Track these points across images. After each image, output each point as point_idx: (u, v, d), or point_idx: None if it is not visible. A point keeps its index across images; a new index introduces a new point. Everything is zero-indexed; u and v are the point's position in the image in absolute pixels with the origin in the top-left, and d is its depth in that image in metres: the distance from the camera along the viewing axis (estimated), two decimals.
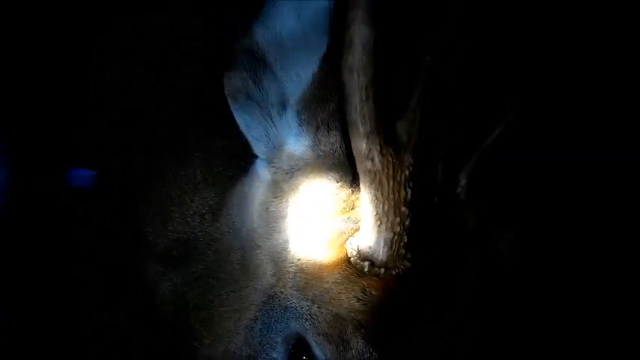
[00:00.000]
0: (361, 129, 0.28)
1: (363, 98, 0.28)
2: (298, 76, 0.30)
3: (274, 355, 0.28)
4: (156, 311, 0.41)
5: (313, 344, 0.27)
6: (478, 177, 0.55)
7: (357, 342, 0.26)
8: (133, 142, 0.43)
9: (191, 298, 0.35)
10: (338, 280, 0.28)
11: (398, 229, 0.30)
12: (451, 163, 0.46)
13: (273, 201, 0.31)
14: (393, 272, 0.29)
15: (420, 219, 0.32)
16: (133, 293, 0.46)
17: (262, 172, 0.32)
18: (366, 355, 0.26)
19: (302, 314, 0.27)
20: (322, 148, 0.30)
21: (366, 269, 0.28)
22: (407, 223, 0.30)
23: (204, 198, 0.36)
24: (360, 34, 0.27)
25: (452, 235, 0.45)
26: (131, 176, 0.41)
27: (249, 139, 0.32)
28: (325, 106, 0.28)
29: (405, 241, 0.31)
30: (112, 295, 0.52)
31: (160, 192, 0.37)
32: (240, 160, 0.35)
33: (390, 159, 0.30)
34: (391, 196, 0.30)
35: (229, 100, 0.31)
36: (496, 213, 0.53)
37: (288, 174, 0.31)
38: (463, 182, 0.52)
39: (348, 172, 0.29)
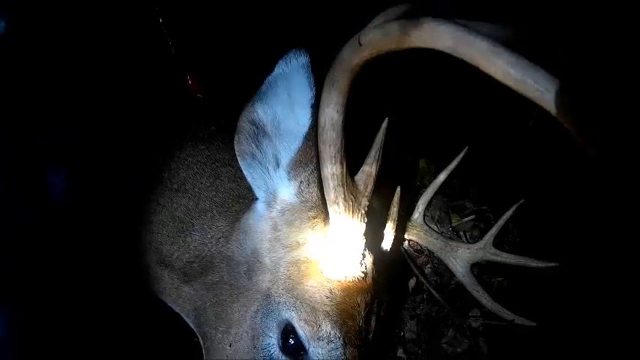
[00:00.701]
0: (331, 183, 0.44)
1: (333, 162, 0.44)
2: (288, 146, 0.45)
3: (271, 334, 0.43)
4: (177, 308, 0.56)
5: (297, 327, 0.42)
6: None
7: (326, 325, 0.42)
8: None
9: (209, 298, 0.50)
10: (314, 285, 0.44)
11: (359, 248, 0.46)
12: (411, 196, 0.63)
13: (270, 231, 0.47)
14: (351, 279, 0.45)
15: (373, 243, 0.48)
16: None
17: (262, 210, 0.48)
18: (332, 333, 0.41)
19: (289, 307, 0.43)
20: (305, 196, 0.46)
21: (332, 277, 0.44)
22: (363, 245, 0.47)
23: (219, 227, 0.52)
24: (330, 117, 0.43)
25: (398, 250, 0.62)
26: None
27: (252, 186, 0.47)
28: (307, 168, 0.44)
29: (362, 257, 0.47)
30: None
31: (184, 222, 0.52)
32: (245, 199, 0.51)
33: (351, 203, 0.47)
34: (353, 228, 0.47)
35: (238, 158, 0.46)
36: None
37: (281, 212, 0.47)
38: (421, 209, 0.71)
39: (322, 211, 0.45)
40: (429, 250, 0.74)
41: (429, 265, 0.74)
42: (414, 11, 0.48)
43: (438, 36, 0.32)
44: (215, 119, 0.59)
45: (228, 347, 0.47)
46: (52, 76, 0.63)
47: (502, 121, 0.90)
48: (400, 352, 0.66)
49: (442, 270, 0.73)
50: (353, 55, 0.39)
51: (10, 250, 0.61)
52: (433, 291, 0.70)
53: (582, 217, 0.81)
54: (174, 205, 0.53)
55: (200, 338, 0.53)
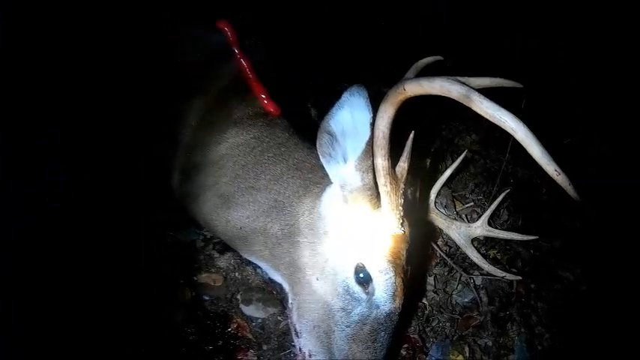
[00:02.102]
0: (381, 172, 0.72)
1: (383, 159, 0.72)
2: (352, 148, 0.72)
3: (347, 271, 0.69)
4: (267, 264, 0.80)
5: (365, 265, 0.68)
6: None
7: (383, 262, 0.68)
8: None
9: (297, 253, 0.75)
10: (374, 238, 0.71)
11: (400, 214, 0.73)
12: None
13: (343, 204, 0.74)
14: (396, 233, 0.72)
15: (407, 213, 0.76)
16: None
17: (336, 190, 0.75)
18: (387, 268, 0.68)
19: (359, 252, 0.70)
20: (365, 181, 0.72)
21: (385, 232, 0.71)
22: (402, 212, 0.74)
23: (305, 203, 0.78)
24: (382, 131, 0.71)
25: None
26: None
27: (329, 174, 0.74)
28: (366, 163, 0.71)
29: (402, 220, 0.74)
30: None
31: (281, 203, 0.78)
32: (319, 185, 0.78)
33: (394, 185, 0.74)
34: (394, 202, 0.74)
35: (320, 156, 0.73)
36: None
37: (349, 191, 0.73)
38: (432, 197, 0.99)
39: (376, 191, 0.72)
40: (439, 228, 1.01)
41: (440, 239, 1.01)
42: (435, 64, 0.80)
43: (449, 90, 0.61)
44: (294, 131, 0.87)
45: (316, 281, 0.73)
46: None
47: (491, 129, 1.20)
48: (423, 300, 0.91)
49: (451, 243, 0.99)
50: (398, 95, 0.68)
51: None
52: (445, 256, 0.97)
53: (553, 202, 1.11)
54: (275, 192, 0.79)
55: (287, 284, 0.78)
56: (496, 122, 0.61)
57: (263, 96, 0.87)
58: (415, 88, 0.67)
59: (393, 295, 0.72)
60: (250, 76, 0.87)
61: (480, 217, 1.02)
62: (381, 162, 0.73)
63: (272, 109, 0.87)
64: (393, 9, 1.54)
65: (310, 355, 0.73)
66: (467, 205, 1.06)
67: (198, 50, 0.90)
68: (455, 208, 1.06)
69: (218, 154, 0.84)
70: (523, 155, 0.60)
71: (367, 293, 0.71)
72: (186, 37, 0.91)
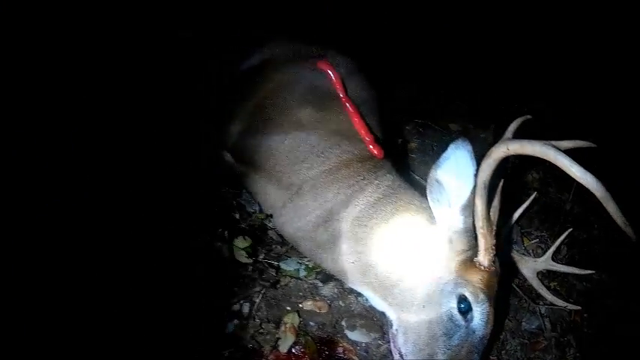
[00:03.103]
0: (479, 216, 1.01)
1: (482, 205, 1.01)
2: (457, 195, 1.01)
3: (451, 301, 0.99)
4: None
5: (467, 296, 0.97)
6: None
7: (481, 294, 0.98)
8: None
9: (407, 284, 1.06)
10: (473, 272, 1.00)
11: (493, 252, 1.02)
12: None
13: (447, 242, 1.04)
14: (490, 269, 1.01)
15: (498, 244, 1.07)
16: None
17: (442, 231, 1.05)
18: (484, 299, 0.98)
19: (462, 285, 0.99)
20: (466, 223, 1.03)
21: (482, 267, 1.01)
22: (494, 250, 1.03)
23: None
24: (483, 181, 1.00)
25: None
26: None
27: (436, 216, 1.03)
28: (468, 208, 1.00)
29: (495, 258, 1.04)
30: None
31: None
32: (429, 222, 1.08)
33: (489, 228, 1.04)
34: (489, 242, 1.03)
35: (429, 201, 1.02)
36: None
37: (453, 232, 1.04)
38: (505, 233, 1.30)
39: (474, 232, 1.01)
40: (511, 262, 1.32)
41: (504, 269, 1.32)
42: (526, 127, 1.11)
43: (547, 154, 0.91)
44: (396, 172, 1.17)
45: (422, 309, 1.01)
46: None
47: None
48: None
49: (520, 275, 1.30)
50: (500, 153, 0.98)
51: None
52: (516, 287, 1.28)
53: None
54: (386, 231, 1.08)
55: (393, 312, 1.06)
56: (582, 182, 0.92)
57: (368, 139, 1.15)
58: (517, 148, 0.98)
59: (487, 322, 1.02)
60: (356, 120, 1.14)
61: (544, 252, 1.35)
62: (480, 208, 1.03)
63: (377, 153, 1.17)
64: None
65: None
66: (533, 241, 1.39)
67: (307, 90, 1.18)
68: (523, 244, 1.39)
69: (331, 193, 1.12)
70: (580, 196, 0.89)
71: (466, 320, 1.01)
72: (296, 75, 1.18)
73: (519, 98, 1.69)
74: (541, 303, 1.30)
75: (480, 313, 1.01)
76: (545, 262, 1.35)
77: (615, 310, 1.38)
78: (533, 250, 1.40)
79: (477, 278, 1.03)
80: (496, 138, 1.70)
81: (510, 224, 1.35)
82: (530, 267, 1.35)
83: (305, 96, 1.22)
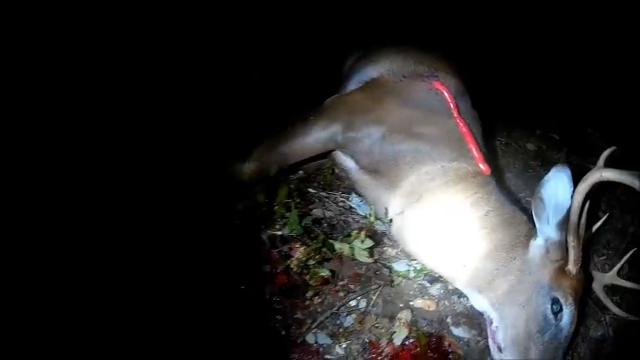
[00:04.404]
0: (572, 231, 1.51)
1: (576, 221, 1.50)
2: (555, 212, 1.49)
3: (546, 303, 1.50)
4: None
5: (560, 298, 1.48)
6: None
7: (570, 297, 1.50)
8: None
9: (510, 288, 1.54)
10: (563, 279, 1.51)
11: (581, 262, 1.51)
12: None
13: (544, 253, 1.54)
14: (577, 276, 1.51)
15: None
16: None
17: (540, 243, 1.58)
18: (572, 301, 1.49)
19: (555, 289, 1.51)
20: (561, 236, 1.55)
21: (572, 275, 1.51)
22: (581, 261, 1.53)
23: (518, 255, 1.59)
24: (577, 201, 1.49)
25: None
26: None
27: (538, 229, 1.55)
28: (564, 225, 1.49)
29: (580, 267, 1.53)
30: None
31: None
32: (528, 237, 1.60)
33: (578, 242, 1.54)
34: (578, 254, 1.53)
35: (534, 215, 1.52)
36: None
37: (551, 244, 1.56)
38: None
39: (566, 245, 1.51)
40: None
41: None
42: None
43: (632, 182, 1.42)
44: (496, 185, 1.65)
45: (522, 308, 1.49)
46: None
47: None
48: None
49: (589, 287, 1.82)
50: (594, 179, 1.50)
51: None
52: (587, 298, 1.80)
53: None
54: (492, 240, 1.60)
55: (494, 310, 1.55)
56: None
57: (478, 156, 1.61)
58: (609, 175, 1.48)
59: (572, 322, 1.52)
60: (469, 138, 1.61)
61: (611, 268, 1.87)
62: (574, 225, 1.53)
63: (485, 170, 1.65)
64: None
65: None
66: (601, 258, 1.91)
67: (428, 108, 1.66)
68: (593, 260, 1.90)
69: (449, 204, 1.61)
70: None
71: (557, 320, 1.50)
72: (417, 93, 1.64)
73: (591, 121, 2.24)
74: (606, 313, 1.83)
75: (568, 314, 1.53)
76: (611, 277, 1.89)
77: None
78: (601, 266, 1.93)
79: (567, 284, 1.55)
80: (569, 159, 2.23)
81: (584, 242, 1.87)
82: (598, 280, 1.88)
83: (426, 113, 1.71)
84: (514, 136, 2.35)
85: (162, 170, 1.66)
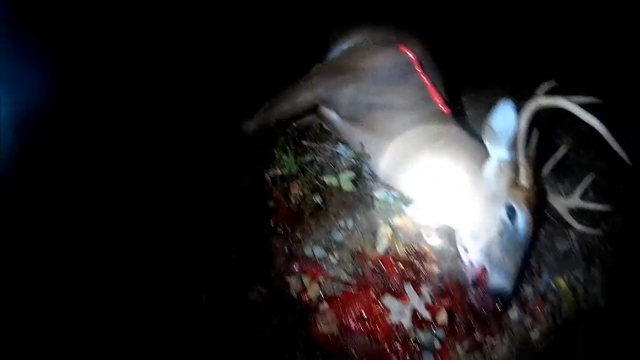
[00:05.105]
0: (520, 150, 1.90)
1: (522, 142, 1.90)
2: (504, 136, 1.90)
3: (502, 209, 1.90)
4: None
5: (513, 205, 1.86)
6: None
7: (524, 207, 1.87)
8: None
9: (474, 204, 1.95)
10: (516, 190, 1.90)
11: (532, 176, 1.91)
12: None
13: (498, 170, 1.96)
14: (530, 188, 1.91)
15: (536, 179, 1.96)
16: None
17: (494, 163, 1.99)
18: (525, 208, 1.86)
19: (508, 197, 1.91)
20: (512, 156, 1.95)
21: (524, 187, 1.91)
22: (531, 175, 1.92)
23: (473, 170, 1.98)
24: (523, 126, 1.89)
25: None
26: None
27: (490, 151, 1.95)
28: (514, 146, 1.89)
29: (534, 180, 1.92)
30: None
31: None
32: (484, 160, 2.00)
33: (527, 159, 1.93)
34: (527, 169, 1.92)
35: (485, 141, 1.93)
36: None
37: (503, 163, 1.97)
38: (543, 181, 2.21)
39: (516, 163, 1.91)
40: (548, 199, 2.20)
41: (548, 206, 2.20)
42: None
43: (566, 106, 1.82)
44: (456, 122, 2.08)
45: (483, 215, 1.90)
46: None
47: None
48: (537, 242, 2.09)
49: (554, 209, 2.18)
50: (533, 106, 1.90)
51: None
52: (551, 216, 2.16)
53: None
54: (453, 164, 2.02)
55: (458, 220, 1.96)
56: (587, 122, 1.80)
57: (439, 101, 2.05)
58: (548, 102, 1.88)
59: (528, 226, 1.89)
60: (431, 87, 2.05)
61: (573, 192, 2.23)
62: (521, 145, 1.92)
63: (446, 111, 2.07)
64: None
65: (477, 263, 1.88)
66: (566, 186, 2.29)
67: (398, 67, 2.11)
68: (558, 188, 2.27)
69: (417, 140, 2.03)
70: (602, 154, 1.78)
71: (513, 223, 1.87)
72: (389, 57, 2.12)
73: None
74: (571, 230, 2.18)
75: (522, 218, 1.91)
76: (575, 200, 2.24)
77: (631, 236, 2.29)
78: (566, 193, 2.28)
79: (519, 194, 1.94)
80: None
81: (547, 172, 2.24)
82: (563, 204, 2.23)
83: (393, 70, 2.20)
84: (481, 92, 2.79)
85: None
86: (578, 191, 2.26)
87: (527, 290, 2.03)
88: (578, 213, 2.27)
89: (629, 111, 2.47)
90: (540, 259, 2.12)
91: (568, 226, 2.21)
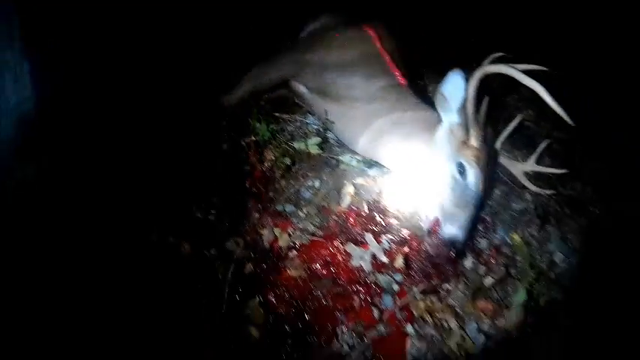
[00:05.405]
0: (470, 113, 2.14)
1: (472, 106, 2.14)
2: (455, 102, 2.15)
3: (452, 165, 2.11)
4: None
5: (463, 162, 2.09)
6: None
7: (473, 162, 2.09)
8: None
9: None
10: (467, 150, 2.12)
11: (482, 136, 2.14)
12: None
13: (449, 132, 2.19)
14: (480, 147, 2.14)
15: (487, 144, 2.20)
16: None
17: (446, 125, 2.23)
18: (475, 165, 2.07)
19: (459, 156, 2.13)
20: (462, 119, 2.17)
21: (474, 147, 2.13)
22: (481, 136, 2.15)
23: (425, 134, 2.21)
24: (471, 92, 2.14)
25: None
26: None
27: (442, 116, 2.19)
28: (463, 110, 2.13)
29: (484, 140, 2.15)
30: None
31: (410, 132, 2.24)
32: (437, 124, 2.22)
33: (477, 122, 2.17)
34: (476, 130, 2.15)
35: (437, 106, 2.18)
36: None
37: (454, 125, 2.20)
38: (499, 143, 2.44)
39: (467, 126, 2.14)
40: (503, 164, 2.42)
41: (500, 168, 2.42)
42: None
43: (508, 72, 2.07)
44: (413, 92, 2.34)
45: (436, 173, 2.12)
46: None
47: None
48: (492, 201, 2.30)
49: (510, 172, 2.40)
50: (480, 73, 2.15)
51: None
52: (507, 179, 2.38)
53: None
54: (408, 128, 2.28)
55: (415, 177, 2.17)
56: (528, 85, 2.04)
57: (397, 74, 2.32)
58: (491, 69, 2.13)
59: (478, 181, 2.12)
60: (389, 61, 2.33)
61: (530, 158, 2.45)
62: (470, 108, 2.17)
63: (403, 82, 2.33)
64: None
65: (431, 215, 2.10)
66: (523, 152, 2.50)
67: (359, 44, 2.41)
68: (514, 154, 2.50)
69: (375, 107, 2.28)
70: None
71: (464, 178, 2.10)
72: (351, 35, 2.41)
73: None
74: (526, 191, 2.39)
75: (472, 174, 2.13)
76: (530, 164, 2.46)
77: (583, 196, 2.50)
78: (522, 159, 2.50)
79: (469, 153, 2.16)
80: None
81: (504, 136, 2.47)
82: (519, 168, 2.45)
83: (359, 48, 2.50)
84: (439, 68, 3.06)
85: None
86: (534, 156, 2.49)
87: (483, 243, 2.25)
88: (537, 178, 2.50)
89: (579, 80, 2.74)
90: (496, 216, 2.35)
91: (524, 188, 2.44)
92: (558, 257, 2.32)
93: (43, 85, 1.97)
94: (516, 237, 2.32)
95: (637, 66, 3.12)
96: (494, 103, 2.33)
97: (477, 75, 2.21)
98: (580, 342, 2.08)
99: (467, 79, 2.20)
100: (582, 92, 2.80)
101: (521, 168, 2.50)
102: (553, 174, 2.47)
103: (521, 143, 2.64)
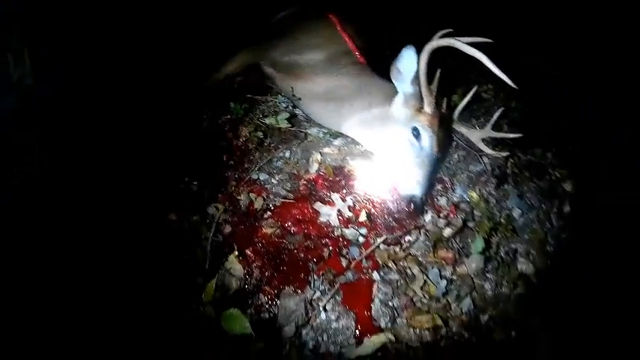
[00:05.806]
0: (423, 83, 2.45)
1: (424, 78, 2.45)
2: (409, 74, 2.46)
3: (407, 130, 2.42)
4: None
5: (418, 127, 2.39)
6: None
7: (426, 127, 2.39)
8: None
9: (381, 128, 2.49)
10: (420, 116, 2.41)
11: (434, 103, 2.43)
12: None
13: (404, 101, 2.49)
14: (433, 113, 2.44)
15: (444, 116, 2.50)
16: None
17: (401, 96, 2.53)
18: (429, 129, 2.37)
19: (414, 122, 2.44)
20: (416, 89, 2.48)
21: (428, 113, 2.44)
22: (433, 103, 2.45)
23: (383, 104, 2.52)
24: (423, 65, 2.45)
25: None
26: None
27: (398, 88, 2.49)
28: (417, 81, 2.43)
29: (437, 108, 2.45)
30: None
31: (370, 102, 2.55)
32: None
33: (430, 91, 2.48)
34: (430, 98, 2.45)
35: (393, 79, 2.49)
36: None
37: (408, 95, 2.50)
38: (456, 113, 2.74)
39: (421, 95, 2.45)
40: (462, 132, 2.70)
41: (458, 135, 2.70)
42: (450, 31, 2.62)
43: (453, 44, 2.38)
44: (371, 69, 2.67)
45: (393, 138, 2.43)
46: None
47: None
48: (451, 163, 2.58)
49: (468, 139, 2.68)
50: (430, 48, 2.46)
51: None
52: (465, 144, 2.66)
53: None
54: (367, 98, 2.60)
55: (376, 145, 2.50)
56: (471, 54, 2.35)
57: (357, 53, 2.65)
58: (438, 42, 2.44)
59: (432, 143, 2.41)
60: (350, 43, 2.66)
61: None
62: (423, 79, 2.47)
63: (362, 60, 2.68)
64: None
65: (391, 175, 2.38)
66: (481, 121, 2.79)
67: (322, 28, 2.74)
68: (472, 122, 2.78)
69: (337, 82, 2.61)
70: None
71: (419, 141, 2.39)
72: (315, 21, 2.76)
73: None
74: (483, 155, 2.66)
75: (426, 137, 2.42)
76: (486, 131, 2.74)
77: (544, 161, 2.77)
78: (481, 126, 2.78)
79: (423, 118, 2.46)
80: None
81: (462, 106, 2.76)
82: (476, 135, 2.73)
83: (322, 32, 2.84)
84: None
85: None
86: (490, 124, 2.77)
87: (442, 201, 2.52)
88: (497, 145, 2.78)
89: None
90: (454, 177, 2.63)
91: (481, 152, 2.72)
92: (517, 212, 2.59)
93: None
94: (474, 194, 2.59)
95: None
96: (454, 79, 2.65)
97: (428, 48, 2.52)
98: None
99: (419, 54, 2.54)
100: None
101: (478, 135, 2.78)
102: (511, 139, 2.77)
103: (480, 113, 2.93)
